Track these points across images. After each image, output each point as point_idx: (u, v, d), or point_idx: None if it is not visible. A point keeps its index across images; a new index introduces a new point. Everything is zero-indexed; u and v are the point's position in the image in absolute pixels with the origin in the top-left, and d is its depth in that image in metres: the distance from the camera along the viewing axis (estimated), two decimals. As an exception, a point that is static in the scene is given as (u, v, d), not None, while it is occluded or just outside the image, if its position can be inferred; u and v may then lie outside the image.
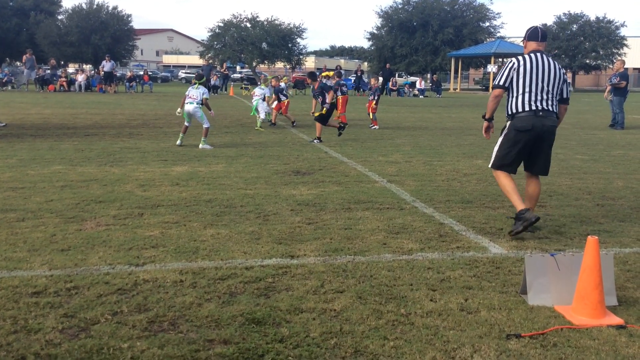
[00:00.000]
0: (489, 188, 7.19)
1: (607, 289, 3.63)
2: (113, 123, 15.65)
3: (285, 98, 16.15)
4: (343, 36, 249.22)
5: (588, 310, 3.47)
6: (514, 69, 5.19)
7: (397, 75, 49.47)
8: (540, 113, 5.10)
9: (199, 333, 3.16)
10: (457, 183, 7.73)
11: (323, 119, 12.24)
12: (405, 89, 41.13)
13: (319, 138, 12.08)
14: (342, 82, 16.83)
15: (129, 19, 55.28)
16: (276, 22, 50.46)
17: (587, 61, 58.29)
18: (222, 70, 40.19)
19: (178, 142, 11.34)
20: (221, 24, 50.60)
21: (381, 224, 5.53)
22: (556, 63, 5.23)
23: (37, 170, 8.15)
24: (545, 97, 5.12)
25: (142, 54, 79.97)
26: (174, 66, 79.91)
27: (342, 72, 23.94)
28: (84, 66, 55.95)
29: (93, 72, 43.30)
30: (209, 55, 50.57)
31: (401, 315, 3.45)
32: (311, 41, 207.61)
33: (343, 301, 3.63)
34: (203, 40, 54.78)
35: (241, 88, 37.67)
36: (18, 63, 53.53)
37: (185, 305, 3.53)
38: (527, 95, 5.12)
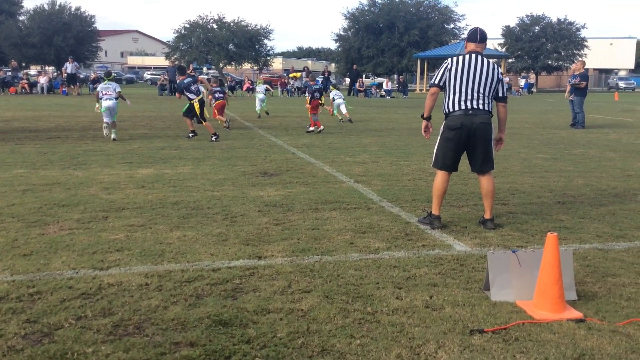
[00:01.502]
0: (454, 187, 7.31)
1: (566, 284, 3.73)
2: (76, 125, 15.39)
3: (220, 99, 15.80)
4: (310, 38, 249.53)
5: (548, 305, 3.56)
6: (448, 69, 5.37)
7: (364, 76, 49.70)
8: (470, 112, 5.27)
9: (164, 336, 3.14)
10: (423, 182, 7.84)
11: (189, 114, 12.69)
12: (372, 90, 41.39)
13: (193, 132, 12.80)
14: (315, 87, 16.03)
15: (93, 20, 54.40)
16: (243, 23, 50.32)
17: (549, 62, 59.62)
18: (188, 71, 39.76)
19: (113, 136, 12.23)
20: (187, 25, 50.20)
21: (348, 224, 5.57)
22: (491, 63, 5.38)
23: None
24: (476, 96, 5.30)
25: (106, 55, 78.72)
26: (139, 67, 78.81)
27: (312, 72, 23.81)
28: (47, 68, 54.80)
29: (56, 74, 42.42)
30: (175, 56, 50.05)
31: (367, 314, 3.49)
32: (278, 42, 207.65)
33: (310, 301, 3.66)
34: (169, 41, 54.21)
35: (208, 89, 37.32)
36: None
37: (151, 309, 3.50)
38: (457, 95, 5.31)
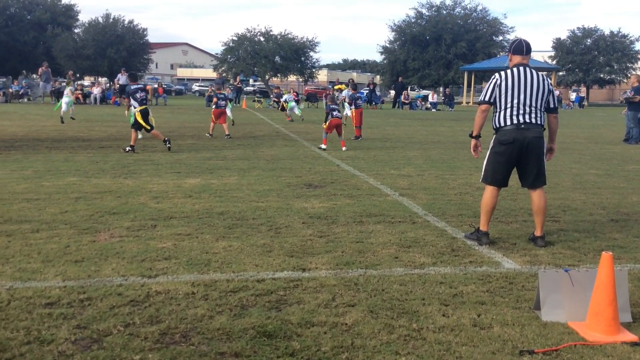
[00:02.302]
0: (502, 203, 7.15)
1: (621, 305, 3.59)
2: (127, 135, 15.77)
3: (221, 107, 15.91)
4: (356, 50, 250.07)
5: (602, 327, 3.43)
6: (497, 85, 5.25)
7: (409, 88, 49.43)
8: (522, 126, 5.15)
9: (210, 346, 3.17)
10: (470, 197, 7.70)
11: (137, 125, 12.33)
12: (418, 102, 41.09)
13: (132, 147, 12.06)
14: (357, 94, 16.90)
15: (145, 32, 55.96)
16: (289, 35, 50.82)
17: (601, 75, 58.04)
18: (235, 83, 40.44)
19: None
20: (235, 38, 51.02)
21: (393, 238, 5.52)
22: (541, 75, 5.26)
23: (52, 181, 8.23)
24: (528, 110, 5.17)
25: (157, 67, 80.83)
26: (187, 79, 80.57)
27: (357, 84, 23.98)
28: (100, 79, 56.60)
29: (108, 85, 43.79)
30: (223, 68, 50.93)
31: (413, 330, 3.43)
32: (324, 55, 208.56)
33: (354, 315, 3.62)
34: (217, 54, 55.20)
35: (254, 101, 37.85)
36: (34, 76, 54.27)
37: (197, 318, 3.54)
38: (509, 109, 5.19)
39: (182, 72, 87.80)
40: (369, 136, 16.57)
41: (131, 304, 3.75)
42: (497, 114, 5.33)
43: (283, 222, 6.08)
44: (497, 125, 5.34)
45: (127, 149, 11.96)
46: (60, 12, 55.56)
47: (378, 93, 40.77)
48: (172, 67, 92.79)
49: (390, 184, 8.65)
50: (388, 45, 57.03)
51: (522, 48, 5.33)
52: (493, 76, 5.44)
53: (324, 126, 13.21)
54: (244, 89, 47.48)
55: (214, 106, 15.82)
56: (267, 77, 50.78)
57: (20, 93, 34.70)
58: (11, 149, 11.88)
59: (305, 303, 3.81)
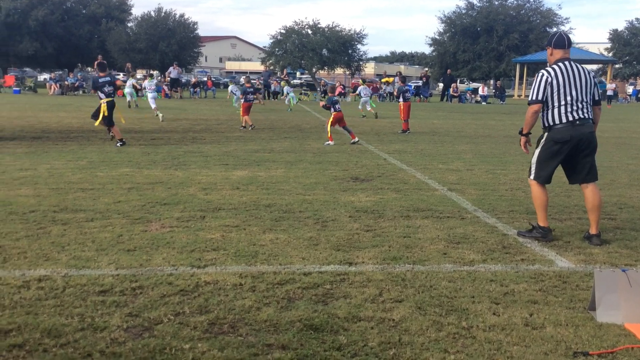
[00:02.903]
0: (555, 199, 6.95)
1: (684, 308, 3.42)
2: (178, 128, 16.10)
3: (250, 100, 16.00)
4: (404, 42, 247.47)
5: (663, 331, 3.28)
6: (548, 82, 5.08)
7: (458, 81, 48.60)
8: (578, 122, 5.00)
9: (257, 337, 3.19)
10: (522, 193, 7.52)
11: (106, 120, 11.98)
12: (467, 95, 40.37)
13: (121, 140, 11.81)
14: (405, 87, 16.80)
15: (195, 26, 56.81)
16: (337, 28, 50.58)
17: (661, 68, 55.63)
18: (282, 76, 40.60)
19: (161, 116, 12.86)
20: (283, 31, 51.17)
21: (441, 233, 5.43)
22: (585, 68, 5.07)
23: (106, 172, 8.46)
24: (580, 106, 5.03)
25: (206, 60, 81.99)
26: (236, 72, 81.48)
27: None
28: (152, 72, 57.78)
29: (160, 78, 44.72)
30: (270, 61, 51.19)
31: (462, 329, 3.37)
32: (371, 47, 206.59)
33: (402, 311, 3.58)
34: (265, 47, 55.54)
35: (300, 94, 37.91)
36: (89, 69, 55.94)
37: (245, 309, 3.57)
38: (562, 107, 5.03)
39: (231, 65, 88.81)
40: (417, 130, 16.40)
41: (181, 293, 3.82)
42: (549, 111, 5.18)
43: (330, 216, 6.07)
44: (550, 123, 5.18)
45: (118, 144, 11.75)
46: (114, 7, 57.00)
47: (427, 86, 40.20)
48: (220, 60, 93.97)
49: (438, 178, 8.53)
50: (437, 37, 56.16)
51: (563, 42, 5.17)
52: (539, 73, 5.27)
53: (327, 124, 12.90)
54: (291, 82, 47.54)
55: (242, 100, 16.00)
56: (314, 70, 50.75)
57: (75, 85, 35.82)
58: (67, 140, 12.29)
59: (352, 297, 3.80)
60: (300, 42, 50.37)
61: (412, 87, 38.96)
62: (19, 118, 17.56)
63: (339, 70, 53.89)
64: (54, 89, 35.15)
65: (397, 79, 35.52)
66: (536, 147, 5.37)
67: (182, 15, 56.18)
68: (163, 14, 54.49)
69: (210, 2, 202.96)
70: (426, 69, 55.74)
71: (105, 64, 12.99)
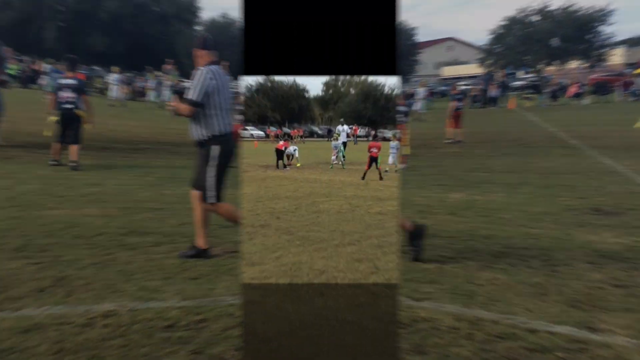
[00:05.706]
0: None
1: None
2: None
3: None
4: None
5: None
6: None
7: None
8: None
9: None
10: None
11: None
12: None
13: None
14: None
15: (413, 31, 56.25)
16: (572, 8, 45.18)
17: None
18: (501, 77, 37.84)
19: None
20: (505, 23, 47.99)
21: None
22: None
23: (172, 189, 8.94)
24: None
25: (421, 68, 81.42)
26: (453, 78, 79.19)
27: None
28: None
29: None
30: (489, 61, 48.42)
31: None
32: (621, 26, 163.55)
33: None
34: (483, 45, 52.89)
35: (523, 98, 34.81)
36: (159, 73, 52.86)
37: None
38: None
39: (448, 71, 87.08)
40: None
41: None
42: None
43: (561, 259, 5.43)
44: None
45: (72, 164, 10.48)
46: (184, 7, 58.24)
47: None
48: (436, 66, 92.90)
49: None
50: None
51: None
52: None
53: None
54: (511, 84, 43.99)
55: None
56: (539, 66, 46.52)
57: (145, 90, 32.54)
58: (135, 152, 13.35)
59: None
60: (524, 34, 46.56)
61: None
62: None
63: (573, 64, 47.81)
64: (126, 92, 29.60)
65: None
66: None
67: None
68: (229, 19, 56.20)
69: (426, 4, 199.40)
70: None
71: (76, 60, 10.57)
